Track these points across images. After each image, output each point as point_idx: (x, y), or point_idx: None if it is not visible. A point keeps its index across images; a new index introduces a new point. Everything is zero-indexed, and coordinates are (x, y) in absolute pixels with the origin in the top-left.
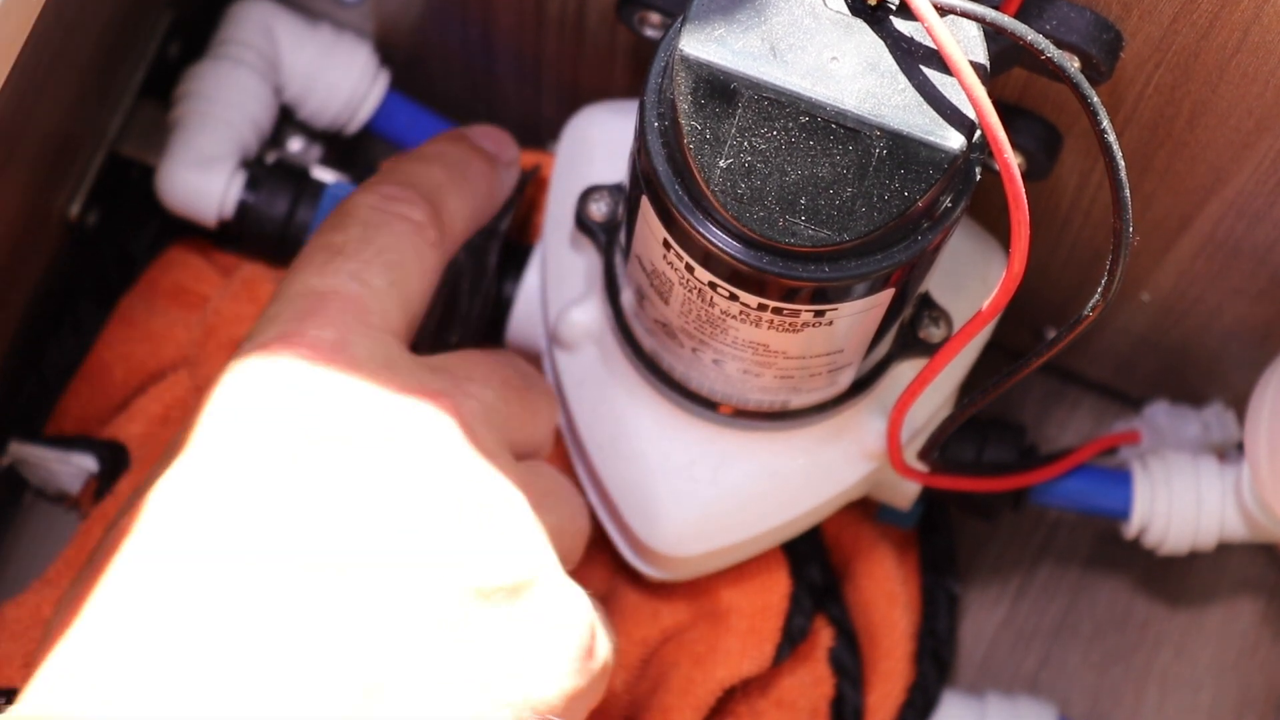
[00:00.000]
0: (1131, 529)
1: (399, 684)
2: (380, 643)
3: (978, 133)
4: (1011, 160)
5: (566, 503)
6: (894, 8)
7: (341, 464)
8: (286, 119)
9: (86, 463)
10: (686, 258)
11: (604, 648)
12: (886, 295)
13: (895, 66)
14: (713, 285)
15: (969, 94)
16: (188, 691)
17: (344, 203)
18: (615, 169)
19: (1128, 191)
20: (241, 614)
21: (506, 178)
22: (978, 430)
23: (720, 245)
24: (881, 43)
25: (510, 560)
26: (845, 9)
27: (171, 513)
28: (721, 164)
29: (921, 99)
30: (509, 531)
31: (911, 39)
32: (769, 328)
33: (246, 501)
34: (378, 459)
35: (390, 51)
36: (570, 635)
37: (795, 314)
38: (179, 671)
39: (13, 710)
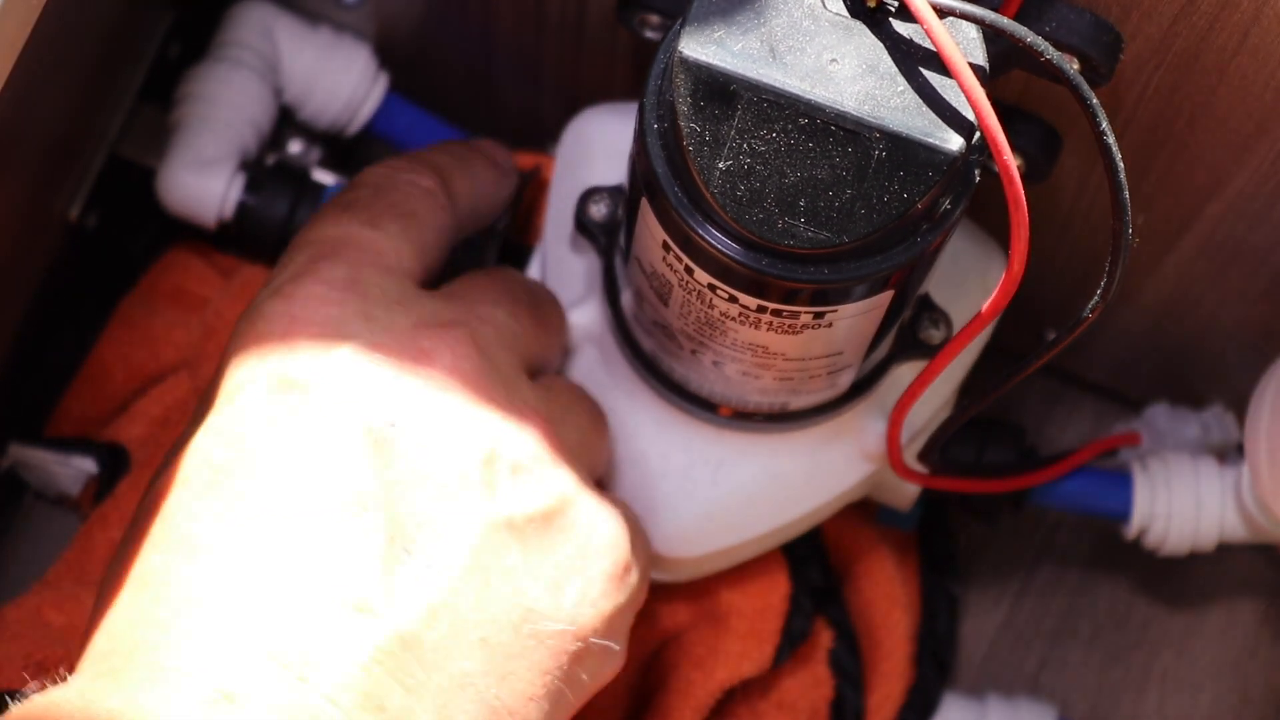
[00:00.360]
0: (1131, 530)
1: (435, 630)
2: (415, 587)
3: (977, 134)
4: (1011, 162)
5: (585, 414)
6: (893, 9)
7: (360, 405)
8: (286, 121)
9: (86, 465)
10: (686, 260)
11: (640, 558)
12: (886, 297)
13: (894, 68)
14: (712, 287)
15: (968, 96)
16: (232, 642)
17: (356, 175)
18: (615, 171)
19: (1127, 193)
20: (281, 560)
21: (505, 181)
22: (978, 432)
23: (719, 247)
24: (881, 45)
25: (537, 491)
26: (845, 11)
27: (206, 469)
28: (721, 166)
29: (921, 101)
30: (533, 462)
31: (911, 41)
32: (768, 329)
33: (275, 451)
34: (396, 398)
35: (390, 53)
36: (605, 557)
37: (795, 316)
38: (230, 629)
39: (68, 687)
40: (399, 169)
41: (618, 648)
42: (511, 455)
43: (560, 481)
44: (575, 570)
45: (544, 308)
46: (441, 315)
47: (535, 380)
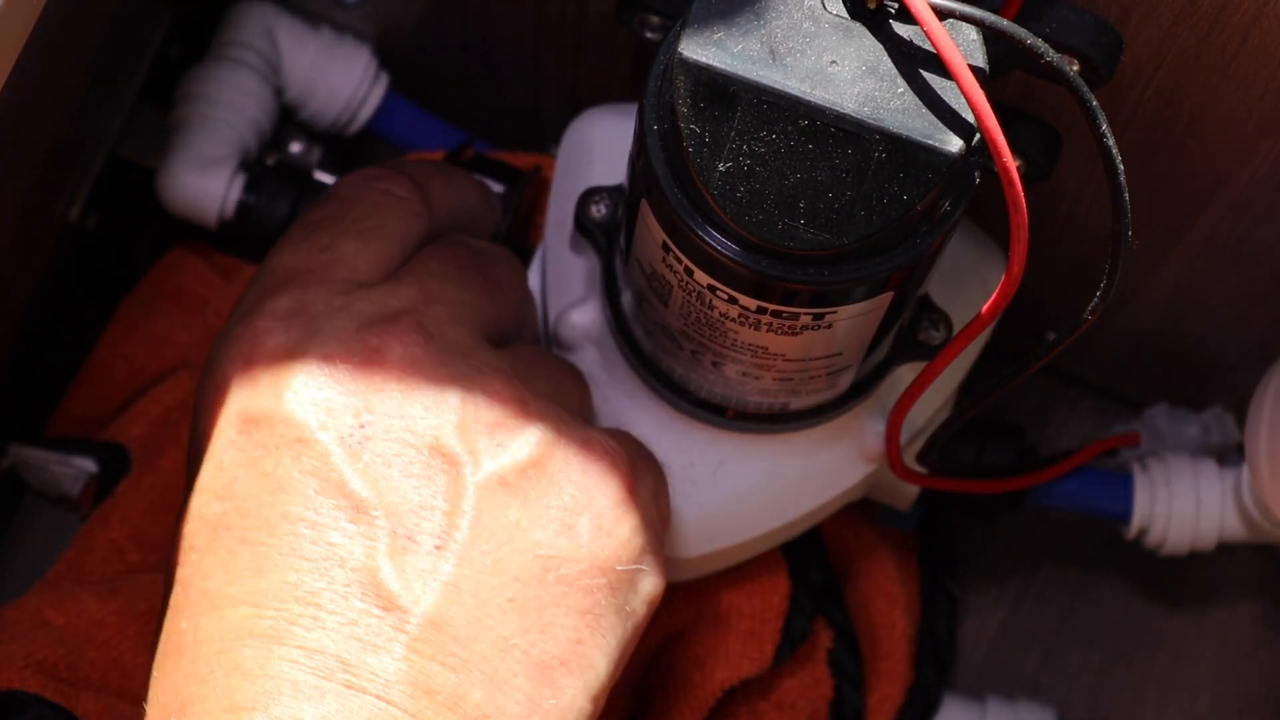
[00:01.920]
0: (1131, 530)
1: (461, 605)
2: (429, 571)
3: (977, 136)
4: (1011, 164)
5: (555, 365)
6: (893, 11)
7: (325, 420)
8: (287, 121)
9: (87, 465)
10: (686, 261)
11: (646, 475)
12: (886, 298)
13: (895, 70)
14: (712, 288)
15: (968, 97)
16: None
17: (333, 184)
18: (615, 171)
19: (1127, 195)
20: (295, 586)
21: (491, 201)
22: (977, 432)
23: (719, 248)
24: (881, 46)
25: (518, 442)
26: (845, 12)
27: (204, 527)
28: (721, 167)
29: (921, 102)
30: (506, 416)
31: (911, 42)
32: (768, 330)
33: (259, 489)
34: (356, 402)
35: (391, 54)
36: (606, 485)
37: (794, 317)
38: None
39: None
40: (373, 178)
41: (647, 569)
42: (484, 417)
43: (540, 426)
44: (580, 506)
45: (495, 267)
46: (388, 306)
47: (500, 348)
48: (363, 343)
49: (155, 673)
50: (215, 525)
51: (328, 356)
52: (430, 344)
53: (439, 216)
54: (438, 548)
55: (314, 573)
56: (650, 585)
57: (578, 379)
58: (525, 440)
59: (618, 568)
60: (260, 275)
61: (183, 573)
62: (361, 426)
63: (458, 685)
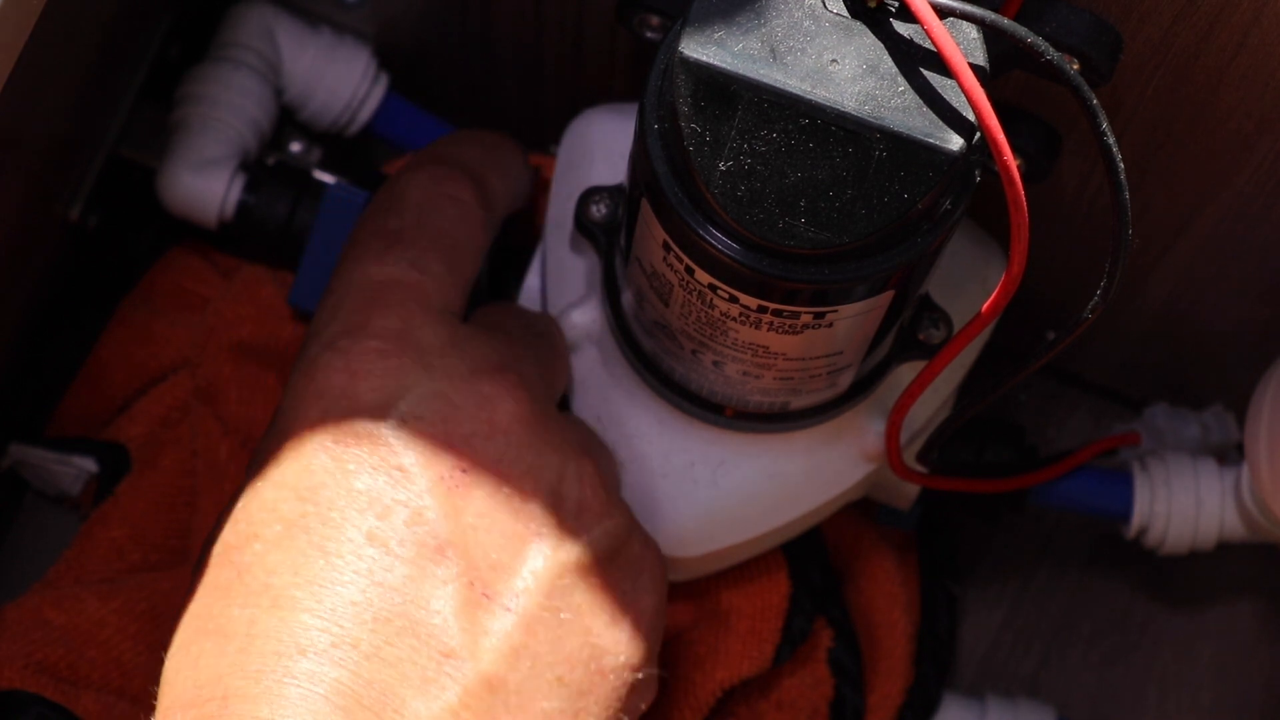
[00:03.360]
0: (1131, 530)
1: (517, 672)
2: (495, 631)
3: (977, 135)
4: (1012, 162)
5: (602, 444)
6: (894, 10)
7: (430, 454)
8: (287, 121)
9: (87, 464)
10: (686, 260)
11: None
12: (886, 297)
13: (895, 69)
14: (712, 287)
15: (969, 96)
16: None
17: (394, 183)
18: (615, 171)
19: (1127, 194)
20: (365, 610)
21: (528, 169)
22: (977, 432)
23: (720, 247)
24: (881, 45)
25: (597, 532)
26: (845, 11)
27: (277, 523)
28: (721, 166)
29: (921, 101)
30: (592, 500)
31: (911, 41)
32: (769, 329)
33: (349, 503)
34: (464, 445)
35: (391, 54)
36: (652, 590)
37: (795, 316)
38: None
39: None
40: (440, 181)
41: (654, 678)
42: (573, 495)
43: (615, 520)
44: (629, 605)
45: (554, 340)
46: (491, 359)
47: (563, 414)
48: (476, 390)
49: (191, 643)
50: (291, 524)
51: (439, 394)
52: (534, 405)
53: (496, 213)
54: (508, 609)
55: (384, 601)
56: (653, 693)
57: (614, 459)
58: (604, 530)
59: (644, 669)
60: (347, 286)
61: (243, 558)
62: (463, 471)
63: None
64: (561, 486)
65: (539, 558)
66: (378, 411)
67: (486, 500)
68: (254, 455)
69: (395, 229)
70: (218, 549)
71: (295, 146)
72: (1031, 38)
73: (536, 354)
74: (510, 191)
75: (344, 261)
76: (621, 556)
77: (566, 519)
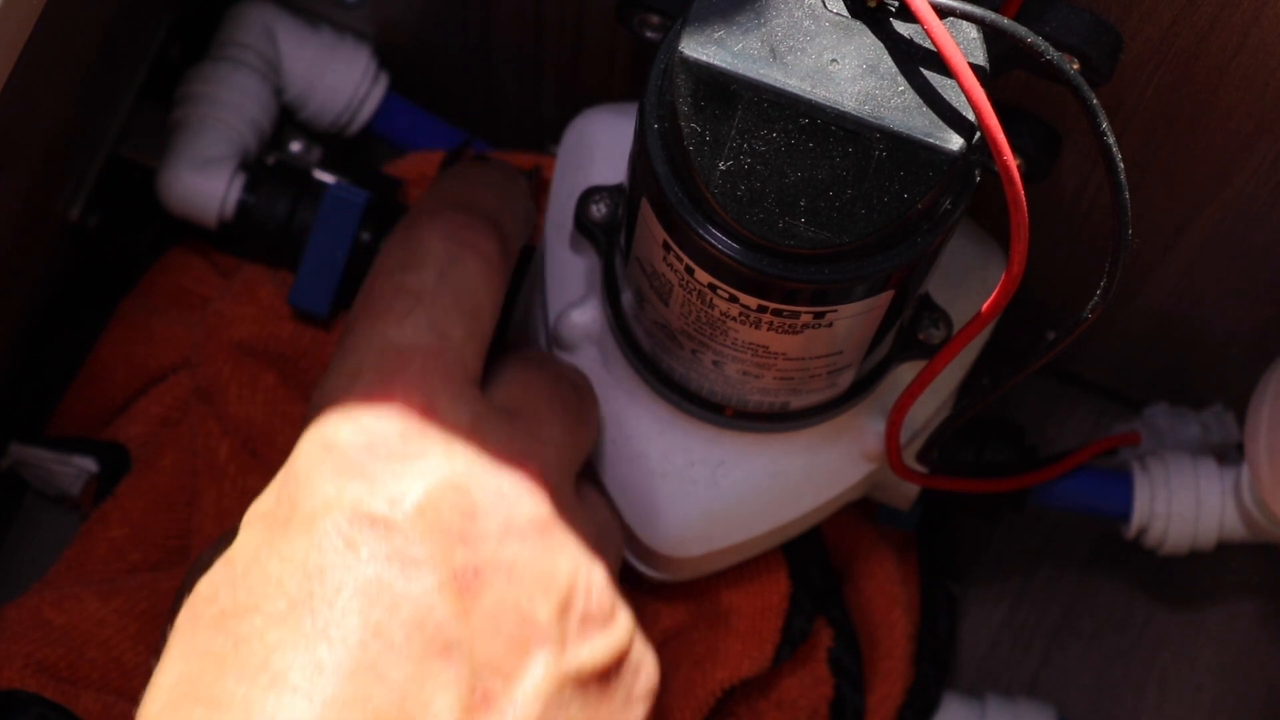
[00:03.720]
0: (1131, 530)
1: None
2: None
3: (977, 134)
4: (1011, 162)
5: (613, 526)
6: (894, 9)
7: (444, 546)
8: (287, 120)
9: (87, 464)
10: (686, 259)
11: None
12: (886, 297)
13: (895, 68)
14: (712, 287)
15: (969, 96)
16: None
17: (412, 231)
18: (615, 171)
19: (1127, 194)
20: (367, 703)
21: (533, 201)
22: (977, 431)
23: (720, 247)
24: (881, 45)
25: (600, 645)
26: (845, 11)
27: (281, 597)
28: (721, 166)
29: (921, 101)
30: (599, 611)
31: (911, 41)
32: (769, 329)
33: (358, 589)
34: (479, 542)
35: (390, 54)
36: (643, 703)
37: (795, 315)
38: None
39: None
40: (461, 232)
41: None
42: (580, 604)
43: (618, 629)
44: (624, 715)
45: (586, 405)
46: (515, 444)
47: (579, 491)
48: (497, 485)
49: (179, 709)
50: (296, 604)
51: (459, 486)
52: (553, 501)
53: (511, 258)
54: (506, 717)
55: (384, 699)
56: None
57: (619, 530)
58: (605, 645)
59: None
60: (365, 350)
61: (240, 629)
62: (476, 572)
63: None
64: (571, 595)
65: (541, 666)
66: (395, 496)
67: (495, 604)
68: (259, 503)
69: (416, 288)
70: (212, 611)
71: (295, 146)
72: (1031, 38)
73: (563, 423)
74: (522, 233)
75: (362, 319)
76: (621, 665)
77: (571, 628)
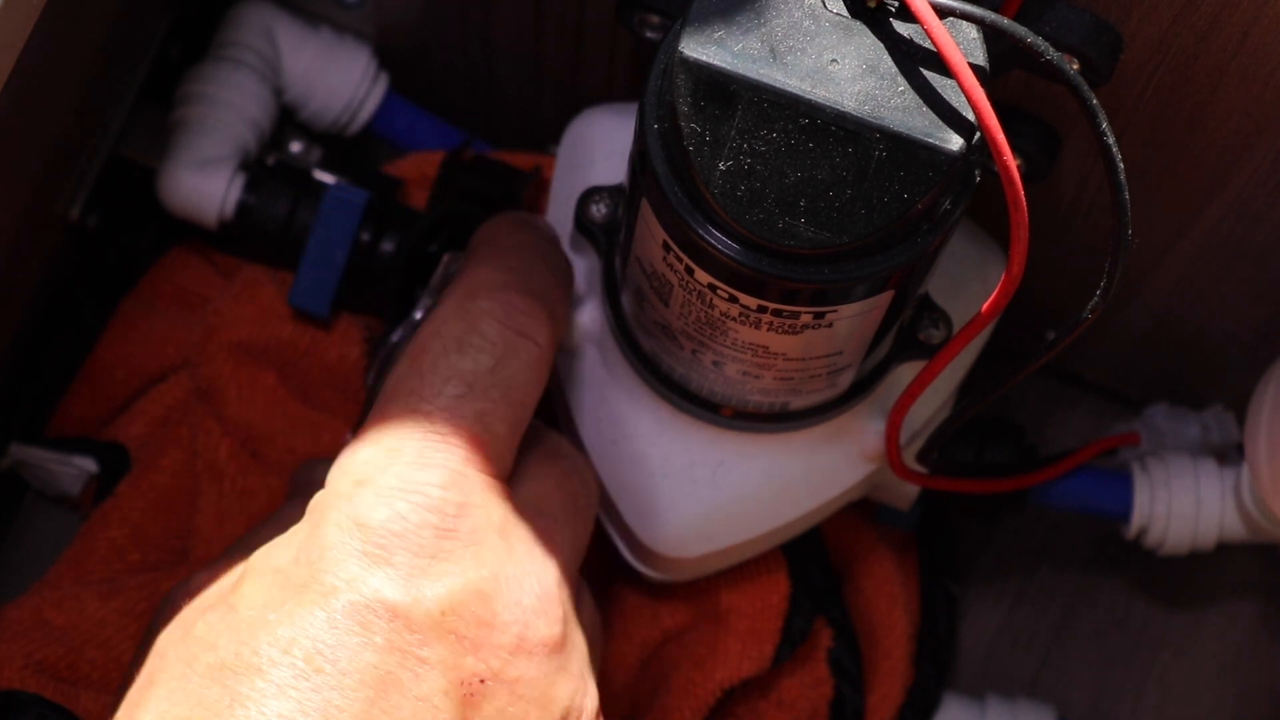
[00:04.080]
0: (1131, 530)
1: None
2: None
3: (977, 135)
4: (1011, 162)
5: (598, 629)
6: (894, 9)
7: (456, 652)
8: (287, 121)
9: (87, 464)
10: (686, 260)
11: None
12: (886, 297)
13: (895, 68)
14: (712, 287)
15: (969, 96)
16: None
17: (474, 311)
18: (615, 171)
19: (1126, 194)
20: None
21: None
22: (977, 432)
23: (720, 247)
24: (881, 45)
25: None
26: (845, 11)
27: (288, 667)
28: (721, 166)
29: (921, 101)
30: None
31: (911, 41)
32: (769, 329)
33: (368, 676)
34: (491, 654)
35: (390, 54)
36: None
37: (795, 316)
38: None
39: None
40: (517, 318)
41: None
42: None
43: None
44: None
45: (592, 502)
46: (535, 553)
47: (578, 593)
48: (518, 599)
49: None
50: (300, 675)
51: (482, 594)
52: (564, 623)
53: (559, 339)
54: None
55: None
56: None
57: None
58: None
59: None
60: (406, 427)
61: (239, 689)
62: (481, 682)
63: None
64: (566, 718)
65: None
66: (419, 593)
67: (494, 716)
68: (272, 554)
69: (470, 376)
70: (210, 659)
71: (295, 146)
72: (1031, 38)
73: (574, 526)
74: (570, 311)
75: (410, 392)
76: None
77: None
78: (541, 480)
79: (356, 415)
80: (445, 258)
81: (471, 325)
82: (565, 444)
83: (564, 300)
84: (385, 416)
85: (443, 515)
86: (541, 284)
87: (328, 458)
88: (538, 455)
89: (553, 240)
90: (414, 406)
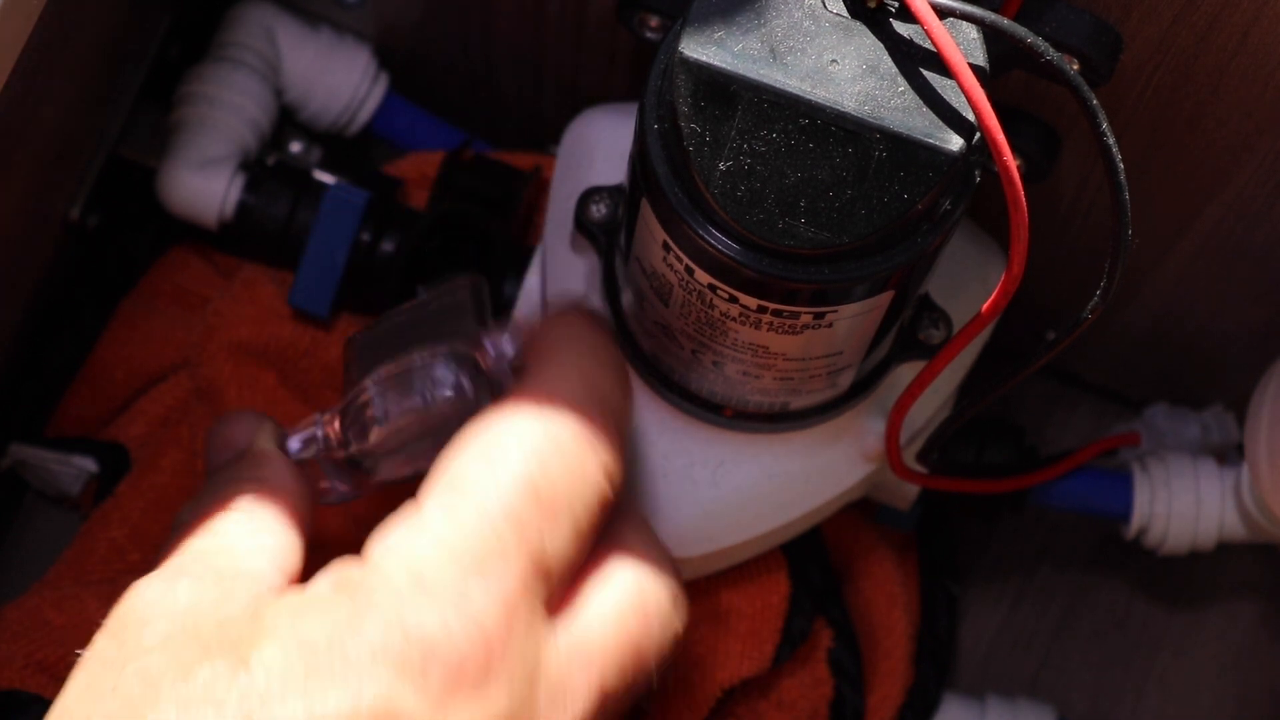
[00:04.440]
0: (1131, 530)
1: None
2: None
3: (977, 135)
4: (1011, 162)
5: None
6: (894, 10)
7: None
8: (287, 121)
9: (87, 464)
10: (686, 260)
11: None
12: (886, 297)
13: (895, 69)
14: (712, 287)
15: (969, 96)
16: None
17: (558, 433)
18: (615, 171)
19: (1126, 194)
20: None
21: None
22: (977, 432)
23: (720, 248)
24: (881, 45)
25: None
26: (845, 11)
27: None
28: (721, 166)
29: (921, 101)
30: None
31: (911, 41)
32: (769, 330)
33: None
34: None
35: (390, 54)
36: None
37: (795, 316)
38: None
39: None
40: (600, 436)
41: None
42: None
43: None
44: None
45: (656, 633)
46: (561, 699)
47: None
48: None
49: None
50: None
51: (523, 698)
52: None
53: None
54: None
55: None
56: None
57: None
58: None
59: None
60: (482, 528)
61: None
62: None
63: None
64: None
65: None
66: (435, 713)
67: None
68: (300, 617)
69: (544, 489)
70: (211, 715)
71: (295, 146)
72: (1031, 38)
73: (622, 676)
74: (630, 418)
75: (482, 491)
76: None
77: None
78: (599, 620)
79: None
80: (463, 281)
81: (550, 440)
82: (645, 567)
83: (628, 410)
84: (451, 510)
85: (488, 644)
86: (611, 397)
87: (247, 413)
88: (609, 579)
89: (611, 336)
90: (485, 509)
